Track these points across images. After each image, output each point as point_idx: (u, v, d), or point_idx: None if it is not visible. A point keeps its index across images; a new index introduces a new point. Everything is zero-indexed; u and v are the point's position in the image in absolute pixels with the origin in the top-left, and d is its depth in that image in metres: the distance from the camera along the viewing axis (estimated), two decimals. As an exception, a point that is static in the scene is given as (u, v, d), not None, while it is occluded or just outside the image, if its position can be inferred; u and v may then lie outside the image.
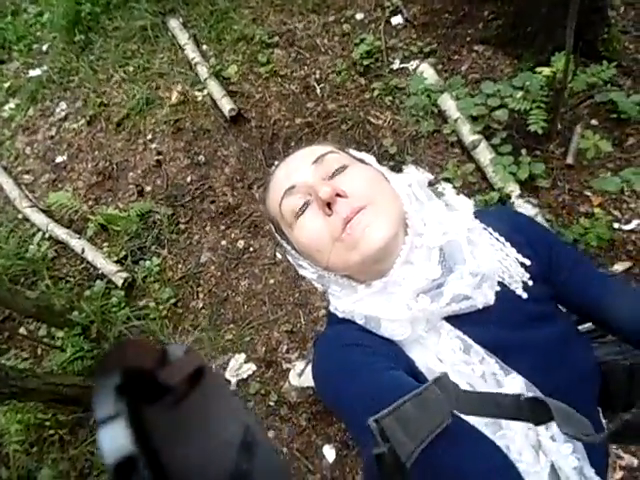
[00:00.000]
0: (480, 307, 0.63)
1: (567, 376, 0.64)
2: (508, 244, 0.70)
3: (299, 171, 0.66)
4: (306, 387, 1.86)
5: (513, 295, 0.67)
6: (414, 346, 0.64)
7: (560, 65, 1.70)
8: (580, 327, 1.15)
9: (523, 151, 2.06)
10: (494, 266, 0.66)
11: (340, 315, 0.68)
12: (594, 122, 2.11)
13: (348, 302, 0.67)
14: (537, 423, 0.51)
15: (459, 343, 0.62)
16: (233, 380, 2.02)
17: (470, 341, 0.62)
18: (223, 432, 0.25)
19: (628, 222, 1.92)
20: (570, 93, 2.11)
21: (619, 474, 0.76)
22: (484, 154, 2.09)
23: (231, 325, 2.17)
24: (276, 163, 0.74)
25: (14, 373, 1.61)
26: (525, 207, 1.94)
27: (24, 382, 1.63)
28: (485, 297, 0.64)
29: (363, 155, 0.74)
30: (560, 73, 1.69)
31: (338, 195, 0.61)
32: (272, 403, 1.95)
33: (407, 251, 0.63)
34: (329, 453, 1.79)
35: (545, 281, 0.70)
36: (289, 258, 0.74)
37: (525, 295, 0.67)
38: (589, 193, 2.01)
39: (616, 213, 1.94)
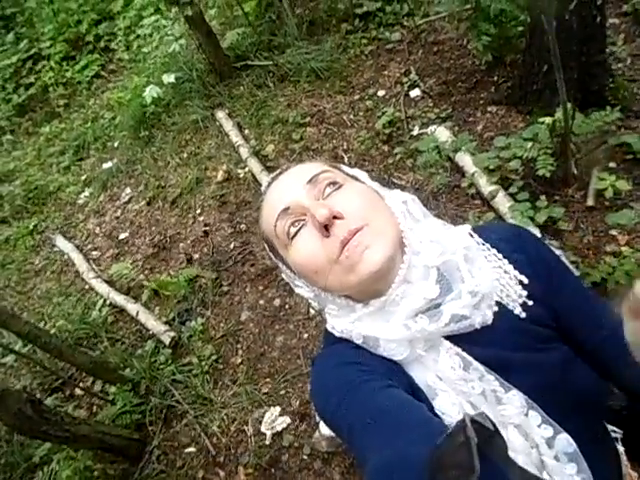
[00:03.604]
0: (478, 327, 0.63)
1: (569, 396, 0.64)
2: (506, 261, 0.69)
3: (293, 192, 0.66)
4: (335, 436, 1.86)
5: (511, 315, 0.66)
6: (413, 364, 0.64)
7: (560, 114, 1.82)
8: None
9: (542, 197, 2.12)
10: (492, 285, 0.65)
11: (337, 334, 0.68)
12: (612, 165, 2.15)
13: (346, 322, 0.66)
14: None
15: (458, 360, 0.62)
16: (268, 433, 2.06)
17: (470, 358, 0.62)
18: None
19: (660, 258, 1.88)
20: (584, 139, 2.19)
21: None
22: (503, 203, 2.16)
23: (267, 379, 2.25)
24: (268, 181, 0.74)
25: (68, 419, 1.78)
26: (547, 250, 1.96)
27: (76, 428, 1.79)
28: (483, 317, 0.63)
29: (356, 172, 0.73)
30: (559, 121, 1.80)
31: (335, 217, 0.61)
32: (305, 457, 1.95)
33: (405, 270, 0.62)
34: (362, 507, 1.75)
35: (544, 302, 0.68)
36: (284, 277, 0.74)
37: (524, 314, 0.66)
38: (615, 232, 2.00)
39: (645, 250, 1.91)
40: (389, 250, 0.60)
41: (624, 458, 0.72)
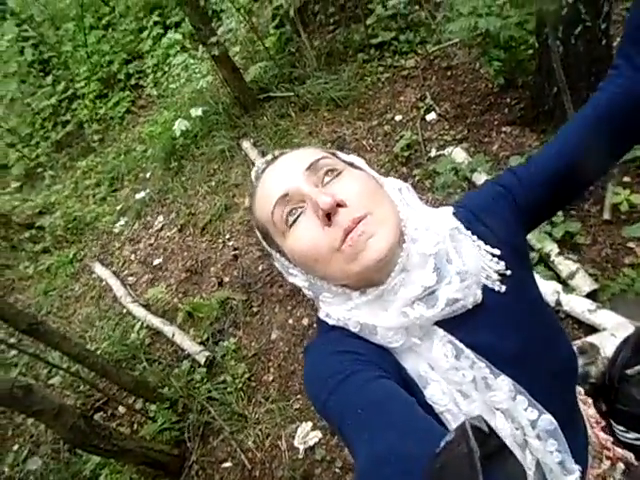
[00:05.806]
0: (470, 307, 0.64)
1: (551, 367, 0.67)
2: (475, 237, 0.70)
3: (291, 178, 0.64)
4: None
5: (493, 293, 0.67)
6: (407, 354, 0.64)
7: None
8: (628, 371, 1.20)
9: (559, 213, 2.19)
10: (478, 263, 0.67)
11: (331, 323, 0.67)
12: (626, 179, 2.21)
13: (342, 310, 0.66)
14: None
15: (451, 348, 0.63)
16: (301, 448, 2.14)
17: (461, 346, 0.63)
18: None
19: (678, 269, 1.92)
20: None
21: (607, 464, 0.81)
22: (520, 219, 2.24)
23: (298, 396, 2.34)
24: (260, 166, 0.73)
25: (116, 434, 1.91)
26: (566, 264, 2.03)
27: (123, 443, 1.91)
28: (474, 296, 0.64)
29: (352, 158, 0.73)
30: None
31: (338, 205, 0.60)
32: (337, 469, 2.03)
33: (405, 259, 0.62)
34: (394, 518, 1.80)
35: (514, 237, 0.72)
36: (277, 265, 0.73)
37: (504, 288, 0.67)
38: (632, 245, 2.05)
39: (663, 261, 1.95)
40: (392, 238, 0.60)
41: (590, 419, 0.79)
